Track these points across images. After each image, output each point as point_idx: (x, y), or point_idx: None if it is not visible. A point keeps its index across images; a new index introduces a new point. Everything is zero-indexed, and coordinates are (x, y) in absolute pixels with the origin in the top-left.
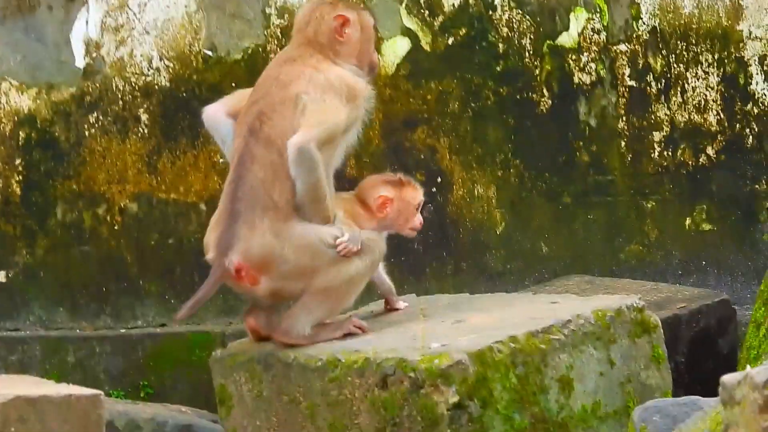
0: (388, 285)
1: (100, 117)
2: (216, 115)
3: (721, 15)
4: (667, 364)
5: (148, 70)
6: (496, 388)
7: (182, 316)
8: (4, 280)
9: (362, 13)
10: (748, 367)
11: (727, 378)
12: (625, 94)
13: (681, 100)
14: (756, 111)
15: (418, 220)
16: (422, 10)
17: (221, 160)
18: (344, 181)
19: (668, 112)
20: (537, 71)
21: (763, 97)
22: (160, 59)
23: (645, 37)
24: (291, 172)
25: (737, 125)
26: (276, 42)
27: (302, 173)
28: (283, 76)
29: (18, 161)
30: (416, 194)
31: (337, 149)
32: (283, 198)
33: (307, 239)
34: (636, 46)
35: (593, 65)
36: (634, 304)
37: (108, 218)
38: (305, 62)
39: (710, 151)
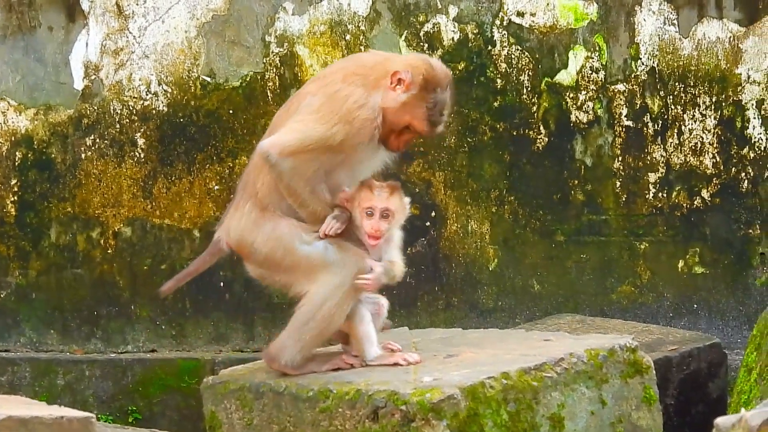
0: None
1: (97, 140)
2: None
3: (720, 58)
4: (659, 406)
5: (147, 94)
6: (487, 423)
7: (167, 288)
8: None
9: (427, 89)
10: (742, 410)
11: (722, 420)
12: (622, 134)
13: (677, 141)
14: (752, 155)
15: (367, 224)
16: (421, 44)
17: (216, 187)
18: None
19: (664, 154)
20: (534, 108)
21: (760, 141)
22: (159, 84)
23: (643, 77)
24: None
25: (733, 169)
26: (275, 70)
27: (273, 176)
28: (310, 80)
29: (14, 182)
30: (367, 197)
31: (328, 162)
32: (263, 189)
33: (279, 232)
34: (634, 87)
35: (591, 104)
36: (627, 344)
37: (102, 242)
38: (338, 74)
39: (705, 193)
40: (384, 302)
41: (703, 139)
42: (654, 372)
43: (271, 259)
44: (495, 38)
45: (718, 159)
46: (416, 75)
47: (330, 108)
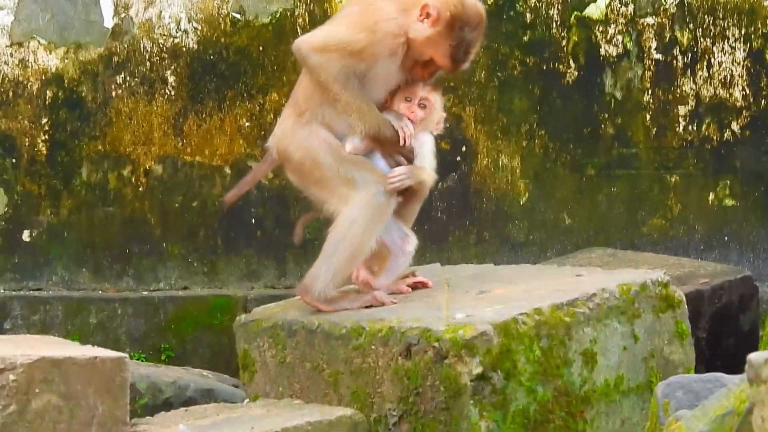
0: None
1: (128, 78)
2: None
3: None
4: (691, 340)
5: (176, 31)
6: (520, 360)
7: (230, 198)
8: (27, 239)
9: (453, 27)
10: None
11: (754, 356)
12: (651, 68)
13: (707, 74)
14: None
15: (404, 107)
16: None
17: (247, 124)
18: None
19: (694, 87)
20: (564, 42)
21: None
22: (189, 21)
23: (672, 10)
24: None
25: (762, 101)
26: (304, 6)
27: (306, 69)
28: None
29: (44, 120)
30: (409, 86)
31: (352, 68)
32: (302, 95)
33: (310, 142)
34: (663, 20)
35: (620, 37)
36: (659, 279)
37: (133, 180)
38: None
39: (735, 126)
40: (412, 239)
41: (732, 71)
42: (686, 306)
43: (301, 168)
44: None
45: (747, 91)
46: (444, 11)
47: (360, 17)
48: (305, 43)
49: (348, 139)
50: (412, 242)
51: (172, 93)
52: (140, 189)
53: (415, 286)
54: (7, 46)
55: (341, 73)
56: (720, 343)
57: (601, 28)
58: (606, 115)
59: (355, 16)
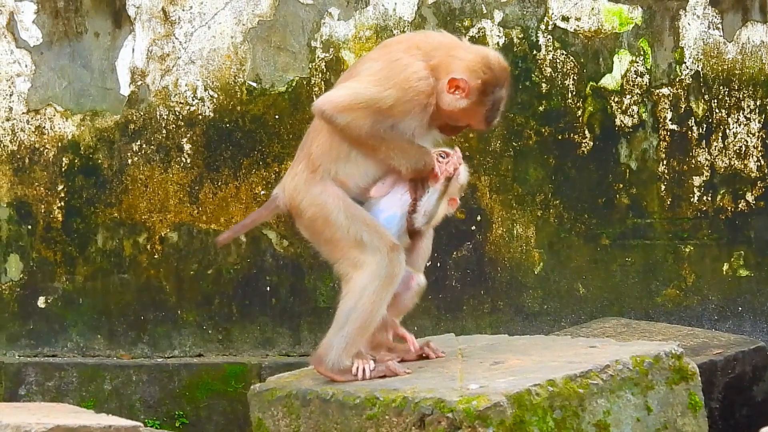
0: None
1: (144, 145)
2: None
3: (764, 61)
4: (704, 412)
5: (193, 99)
6: (533, 431)
7: (223, 239)
8: (43, 305)
9: (486, 93)
10: None
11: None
12: (667, 138)
13: (722, 145)
14: None
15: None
16: None
17: (262, 192)
18: None
19: (709, 157)
20: (579, 112)
21: None
22: (205, 89)
23: (688, 81)
24: None
25: None
26: (320, 75)
27: (334, 129)
28: (375, 48)
29: (60, 187)
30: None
31: (384, 122)
32: (317, 150)
33: (323, 199)
34: (678, 90)
35: (635, 108)
36: (673, 351)
37: (148, 247)
38: (402, 44)
39: (749, 197)
40: (418, 277)
41: (747, 142)
42: (699, 378)
43: (313, 225)
44: (540, 43)
45: (762, 162)
46: (474, 80)
47: (387, 73)
48: (329, 103)
49: (374, 186)
50: (416, 278)
51: (188, 161)
52: (155, 256)
53: (428, 356)
54: (23, 113)
55: (373, 128)
56: (733, 413)
57: (616, 99)
58: (621, 185)
59: (381, 72)
